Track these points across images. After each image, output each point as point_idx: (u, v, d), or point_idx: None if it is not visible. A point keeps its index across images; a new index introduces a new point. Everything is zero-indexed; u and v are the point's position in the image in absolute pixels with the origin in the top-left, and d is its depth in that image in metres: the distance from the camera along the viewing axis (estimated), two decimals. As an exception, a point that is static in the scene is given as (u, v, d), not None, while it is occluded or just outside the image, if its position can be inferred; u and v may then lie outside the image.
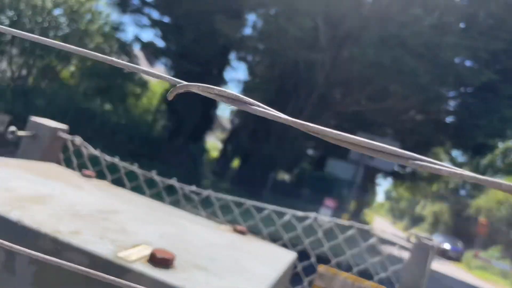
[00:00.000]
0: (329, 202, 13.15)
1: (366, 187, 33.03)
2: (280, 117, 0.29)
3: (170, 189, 2.05)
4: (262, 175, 17.03)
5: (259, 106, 0.29)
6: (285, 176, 20.70)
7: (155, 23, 17.13)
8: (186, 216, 1.49)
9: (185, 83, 0.29)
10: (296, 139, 17.51)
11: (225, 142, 20.19)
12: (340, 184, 16.06)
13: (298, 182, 17.16)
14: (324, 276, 1.74)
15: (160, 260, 0.86)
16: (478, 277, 22.65)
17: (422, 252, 1.64)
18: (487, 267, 24.69)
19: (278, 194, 16.12)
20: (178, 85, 0.29)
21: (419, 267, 1.65)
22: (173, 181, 1.90)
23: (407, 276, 1.65)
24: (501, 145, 33.35)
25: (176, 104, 16.76)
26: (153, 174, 1.91)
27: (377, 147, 0.27)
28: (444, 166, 0.28)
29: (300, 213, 1.84)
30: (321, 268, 1.76)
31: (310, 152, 27.10)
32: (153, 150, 14.16)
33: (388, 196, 76.80)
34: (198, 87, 0.28)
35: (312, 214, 1.85)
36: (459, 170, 0.27)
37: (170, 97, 0.30)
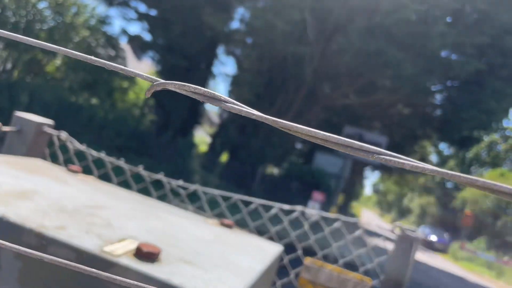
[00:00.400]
0: (317, 196, 13.24)
1: (354, 181, 33.34)
2: (253, 114, 0.30)
3: (157, 184, 2.05)
4: (251, 169, 17.06)
5: (233, 104, 0.30)
6: (273, 170, 20.76)
7: (142, 16, 16.95)
8: (173, 211, 1.50)
9: (162, 81, 0.30)
10: (285, 133, 17.51)
11: (214, 136, 20.15)
12: (328, 177, 16.17)
13: (287, 176, 17.22)
14: (310, 268, 1.77)
15: (146, 254, 0.87)
16: (464, 268, 23.06)
17: (406, 243, 1.67)
18: (472, 258, 25.15)
19: (267, 188, 16.17)
20: (155, 83, 0.30)
21: (403, 258, 1.68)
22: (160, 176, 1.91)
23: (392, 267, 1.67)
24: (486, 138, 33.95)
25: (163, 98, 16.66)
26: (140, 169, 1.90)
27: (345, 142, 0.29)
28: (407, 160, 0.29)
29: (286, 207, 1.86)
30: (308, 260, 1.78)
31: (298, 146, 27.23)
32: (140, 145, 14.07)
33: (375, 189, 77.61)
34: (174, 85, 0.29)
35: (298, 207, 1.86)
36: (421, 164, 0.29)
37: (148, 94, 0.30)
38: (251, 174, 17.00)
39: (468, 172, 39.02)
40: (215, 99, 0.30)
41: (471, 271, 22.31)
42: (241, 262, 1.10)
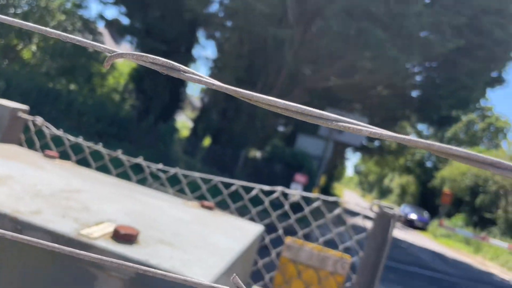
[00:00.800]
0: (300, 178, 13.37)
1: (336, 162, 33.71)
2: (213, 84, 0.30)
3: (137, 168, 2.04)
4: (234, 153, 17.07)
5: (192, 74, 0.30)
6: (256, 154, 20.81)
7: (119, 0, 16.54)
8: (152, 194, 1.49)
9: (120, 51, 0.29)
10: (266, 116, 17.57)
11: (195, 121, 20.02)
12: (310, 159, 16.29)
13: (270, 159, 17.27)
14: (291, 247, 1.80)
15: (123, 236, 0.87)
16: (443, 244, 23.75)
17: (384, 220, 1.71)
18: (451, 235, 25.91)
19: (250, 172, 16.22)
20: (112, 54, 0.30)
21: (381, 235, 1.71)
22: (139, 160, 1.89)
23: (371, 244, 1.71)
24: (464, 118, 34.75)
25: (143, 83, 16.44)
26: (118, 153, 1.89)
27: (304, 111, 0.29)
28: (364, 126, 0.29)
29: (266, 188, 1.87)
30: (288, 240, 1.81)
31: (280, 129, 27.31)
32: (121, 130, 13.90)
33: (357, 170, 78.77)
34: (132, 56, 0.28)
35: (278, 188, 1.88)
36: (379, 130, 0.29)
37: (106, 66, 0.30)
38: (233, 158, 17.01)
39: (447, 152, 39.61)
40: (174, 69, 0.29)
41: (449, 247, 23.00)
42: (221, 243, 1.11)
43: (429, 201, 36.65)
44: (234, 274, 0.35)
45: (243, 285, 0.38)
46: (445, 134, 37.66)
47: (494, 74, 17.92)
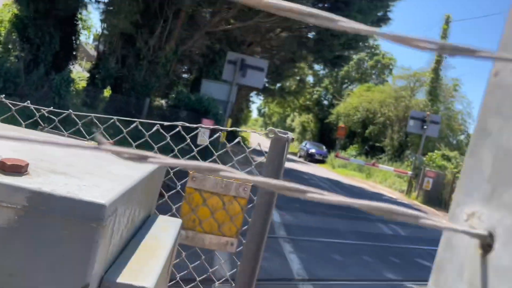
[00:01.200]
0: (206, 123, 13.43)
1: (241, 106, 34.26)
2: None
3: (25, 116, 1.90)
4: (137, 102, 16.47)
5: None
6: (162, 102, 20.27)
7: None
8: (43, 135, 1.43)
9: None
10: (168, 62, 17.03)
11: (92, 70, 18.67)
12: (216, 104, 16.34)
13: (175, 106, 16.95)
14: (196, 177, 1.86)
15: (10, 167, 0.84)
16: (340, 173, 25.98)
17: (279, 144, 1.84)
18: (346, 164, 28.41)
19: (155, 120, 15.82)
20: None
21: (277, 158, 1.85)
22: (26, 104, 1.77)
23: (268, 167, 1.84)
24: (355, 57, 37.16)
25: (28, 31, 14.86)
26: (2, 97, 1.74)
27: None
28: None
29: (166, 124, 1.89)
30: (193, 171, 1.87)
31: (184, 75, 26.72)
32: (8, 84, 12.58)
33: (261, 113, 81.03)
34: None
35: (179, 123, 1.90)
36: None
37: None
38: (137, 107, 16.41)
39: (341, 89, 42.86)
40: None
41: (345, 176, 25.26)
42: (120, 171, 1.12)
43: (327, 136, 39.46)
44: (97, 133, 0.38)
45: (105, 140, 0.42)
46: (339, 73, 40.11)
47: (380, 13, 19.11)
